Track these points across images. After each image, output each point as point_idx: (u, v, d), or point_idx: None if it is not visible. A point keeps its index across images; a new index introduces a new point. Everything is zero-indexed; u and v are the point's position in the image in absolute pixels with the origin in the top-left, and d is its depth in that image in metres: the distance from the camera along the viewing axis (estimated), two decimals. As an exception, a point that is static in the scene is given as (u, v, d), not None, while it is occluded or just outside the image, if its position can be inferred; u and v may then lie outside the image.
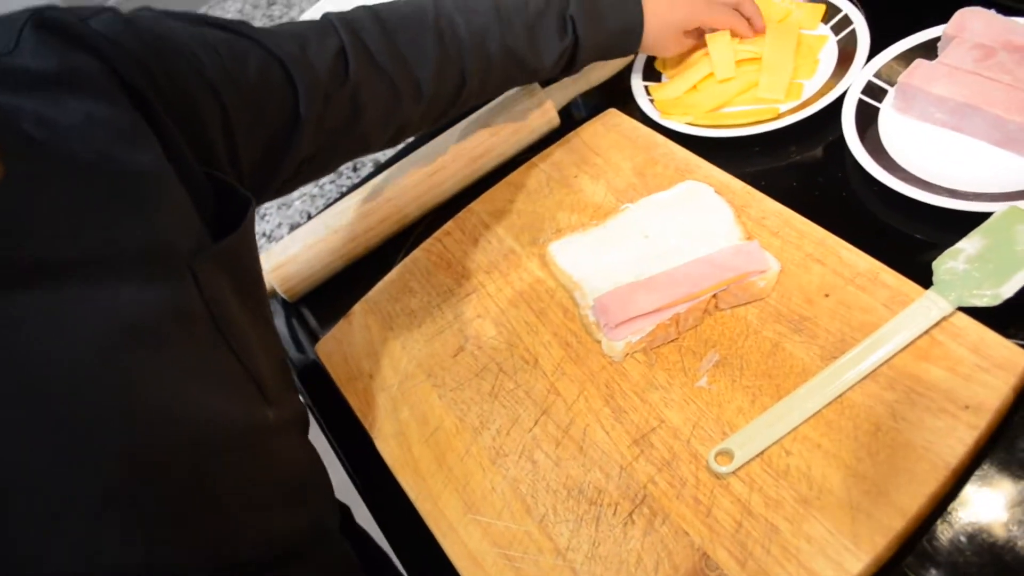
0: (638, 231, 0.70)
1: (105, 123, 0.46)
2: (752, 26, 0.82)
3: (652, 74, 0.87)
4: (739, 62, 0.81)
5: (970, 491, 0.51)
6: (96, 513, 0.41)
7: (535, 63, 0.74)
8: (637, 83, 0.86)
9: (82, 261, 0.42)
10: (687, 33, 0.82)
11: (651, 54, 0.87)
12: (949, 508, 0.50)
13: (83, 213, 0.44)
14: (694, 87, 0.82)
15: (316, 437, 0.67)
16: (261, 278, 0.60)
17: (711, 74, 0.82)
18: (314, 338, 0.82)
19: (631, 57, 0.88)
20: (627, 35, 0.77)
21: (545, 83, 0.86)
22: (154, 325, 0.45)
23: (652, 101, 0.83)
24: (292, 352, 0.86)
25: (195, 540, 0.46)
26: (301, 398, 0.84)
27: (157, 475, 0.44)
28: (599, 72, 0.88)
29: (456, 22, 0.70)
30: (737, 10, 0.82)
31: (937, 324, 0.55)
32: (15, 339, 0.39)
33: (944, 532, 0.50)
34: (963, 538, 0.49)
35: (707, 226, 0.67)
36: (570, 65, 0.77)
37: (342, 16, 0.66)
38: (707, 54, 0.83)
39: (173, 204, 0.49)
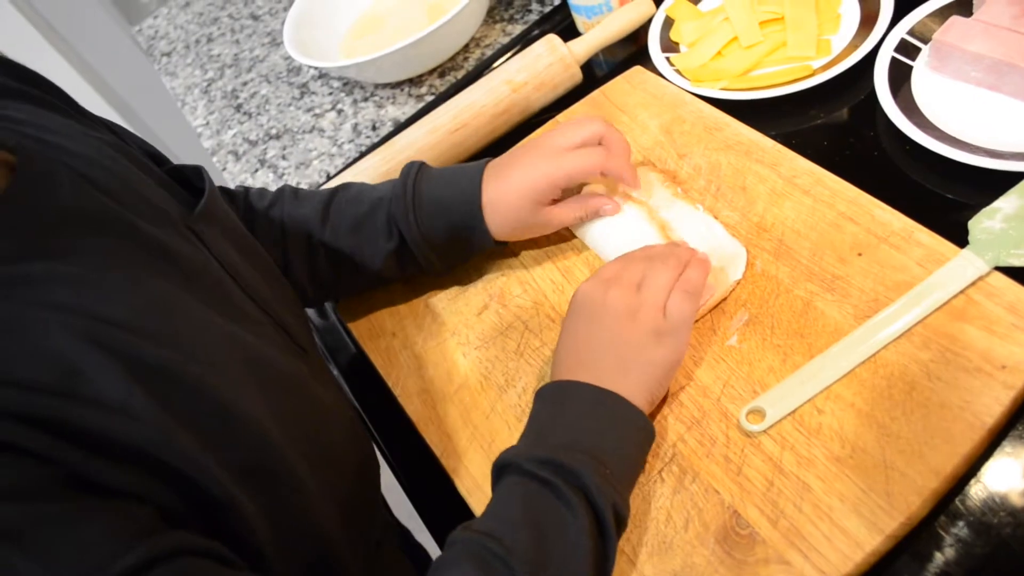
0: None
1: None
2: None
3: (668, 48, 0.84)
4: (762, 23, 0.79)
5: (1005, 451, 0.50)
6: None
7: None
8: (658, 56, 0.83)
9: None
10: (555, 200, 0.68)
11: (510, 238, 0.70)
12: (983, 468, 0.50)
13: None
14: (719, 53, 0.80)
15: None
16: (255, 241, 0.64)
17: (735, 38, 0.80)
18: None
19: (652, 9, 0.86)
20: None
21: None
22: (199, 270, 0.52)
23: (678, 72, 0.80)
24: (313, 316, 0.85)
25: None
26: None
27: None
28: (620, 26, 0.86)
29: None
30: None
31: (973, 284, 0.54)
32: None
33: (978, 492, 0.49)
34: (997, 498, 0.49)
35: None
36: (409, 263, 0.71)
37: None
38: (726, 19, 0.81)
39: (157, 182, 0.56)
